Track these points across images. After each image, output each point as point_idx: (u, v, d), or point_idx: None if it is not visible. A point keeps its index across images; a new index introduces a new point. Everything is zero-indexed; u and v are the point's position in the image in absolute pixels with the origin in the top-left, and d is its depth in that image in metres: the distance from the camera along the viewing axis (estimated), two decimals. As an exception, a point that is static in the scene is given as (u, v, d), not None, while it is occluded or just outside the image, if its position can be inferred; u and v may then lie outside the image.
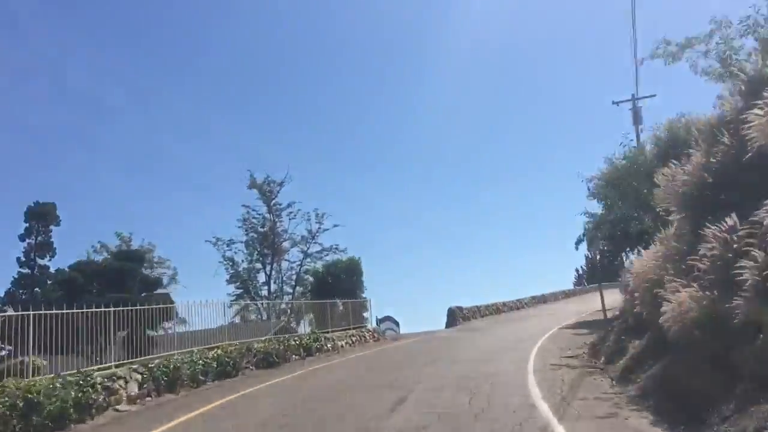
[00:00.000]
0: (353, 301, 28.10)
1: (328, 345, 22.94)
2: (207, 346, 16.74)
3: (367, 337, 27.21)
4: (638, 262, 12.40)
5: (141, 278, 22.62)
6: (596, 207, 26.84)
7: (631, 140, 25.86)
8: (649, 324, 11.39)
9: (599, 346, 15.72)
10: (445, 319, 36.87)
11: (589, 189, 25.74)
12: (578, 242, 28.00)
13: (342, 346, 24.28)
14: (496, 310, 42.06)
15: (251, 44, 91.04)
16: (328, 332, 24.55)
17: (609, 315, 28.55)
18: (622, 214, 20.84)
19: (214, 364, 15.62)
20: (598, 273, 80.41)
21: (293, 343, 20.41)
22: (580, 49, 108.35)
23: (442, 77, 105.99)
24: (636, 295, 12.50)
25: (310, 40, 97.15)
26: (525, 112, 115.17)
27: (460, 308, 37.32)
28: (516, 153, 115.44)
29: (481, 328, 29.19)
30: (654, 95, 38.49)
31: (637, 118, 38.20)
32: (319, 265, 37.11)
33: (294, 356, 20.07)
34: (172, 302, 19.69)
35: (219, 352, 16.28)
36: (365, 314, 29.78)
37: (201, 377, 14.80)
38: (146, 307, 15.67)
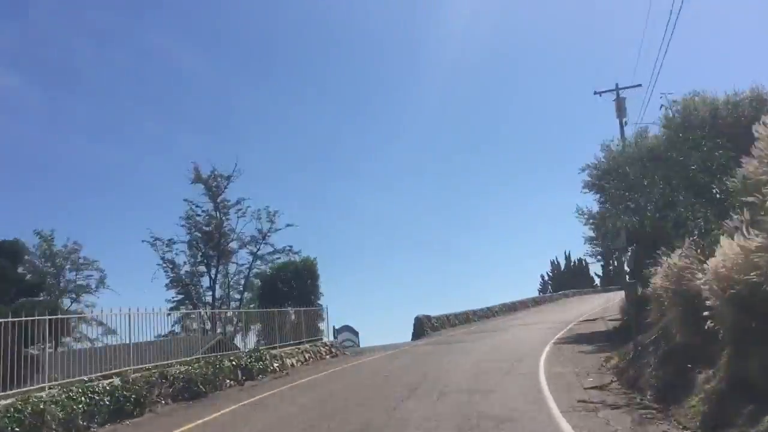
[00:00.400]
0: (307, 310, 23.77)
1: (275, 365, 18.56)
2: (103, 373, 12.21)
3: (323, 353, 22.90)
4: (718, 259, 8.68)
5: (16, 280, 17.68)
6: (591, 203, 23.44)
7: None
8: (740, 350, 7.64)
9: (630, 370, 11.96)
10: (411, 330, 32.87)
11: (590, 177, 22.26)
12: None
13: (292, 365, 19.93)
14: (465, 318, 38.34)
15: (197, 33, 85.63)
16: (275, 348, 20.18)
17: (597, 322, 25.79)
18: (651, 204, 17.19)
19: (107, 400, 11.11)
20: (564, 280, 78.72)
21: (228, 364, 15.97)
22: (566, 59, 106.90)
23: (406, 71, 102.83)
24: (710, 304, 8.73)
25: (271, 32, 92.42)
26: (498, 121, 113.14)
27: (428, 317, 33.39)
28: (482, 160, 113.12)
29: (455, 340, 25.27)
30: (639, 85, 35.82)
31: (621, 110, 35.43)
32: (268, 267, 32.62)
33: (229, 381, 15.64)
34: (68, 312, 15.02)
35: (117, 381, 11.77)
36: (321, 325, 25.53)
37: (82, 422, 10.29)
38: (14, 319, 11.03)
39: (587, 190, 22.36)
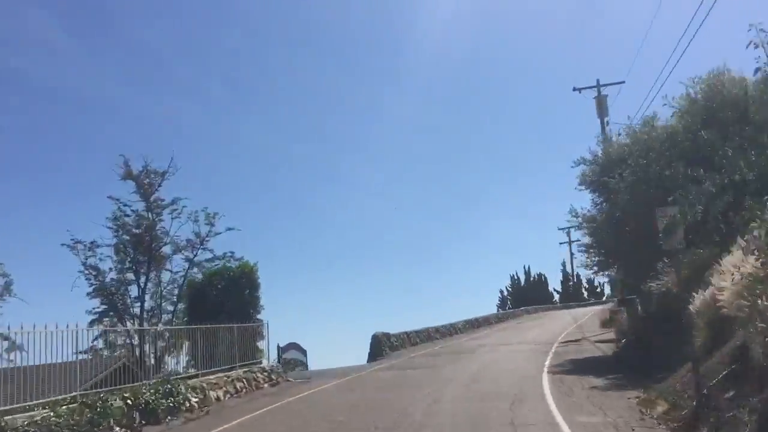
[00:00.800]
0: (243, 326, 19.30)
1: (193, 399, 14.07)
2: None
3: (261, 381, 18.44)
4: None
5: None
6: (586, 202, 19.98)
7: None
8: None
9: (703, 428, 8.21)
10: (367, 350, 28.70)
11: (588, 173, 18.77)
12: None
13: (218, 399, 15.46)
14: (427, 336, 34.42)
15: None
16: (196, 376, 15.71)
17: (583, 344, 22.30)
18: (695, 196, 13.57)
19: None
20: (523, 295, 75.91)
21: (120, 404, 11.46)
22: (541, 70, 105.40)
23: (379, 71, 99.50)
24: None
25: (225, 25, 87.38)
26: (468, 130, 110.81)
27: (387, 335, 29.28)
28: (446, 171, 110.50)
29: (421, 363, 21.24)
30: (622, 82, 33.01)
31: (602, 108, 32.47)
32: (199, 273, 27.81)
33: (120, 429, 11.14)
34: None
35: None
36: (261, 344, 21.05)
37: None
38: None
39: (584, 188, 18.85)
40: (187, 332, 18.11)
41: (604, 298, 78.97)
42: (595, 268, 20.70)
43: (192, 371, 17.06)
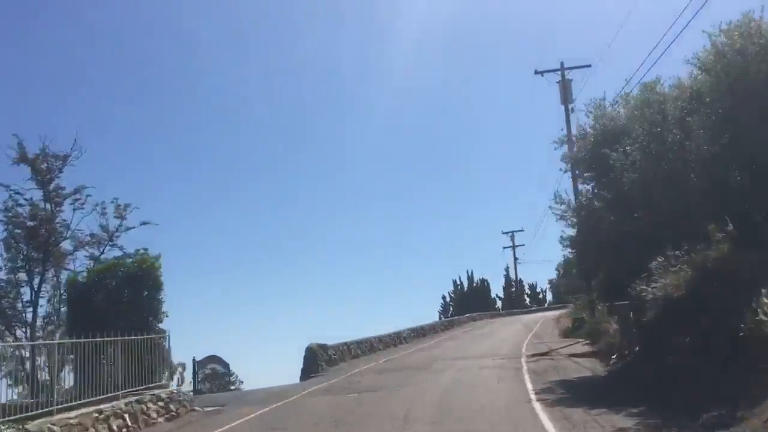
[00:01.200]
0: (133, 339, 14.48)
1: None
2: None
3: (154, 414, 13.68)
4: None
5: None
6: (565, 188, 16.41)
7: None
8: None
9: None
10: (300, 365, 24.22)
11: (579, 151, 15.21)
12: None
13: (79, 447, 10.74)
14: (370, 347, 30.29)
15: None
16: (51, 413, 10.94)
17: (562, 360, 18.44)
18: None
19: None
20: (466, 301, 72.90)
21: None
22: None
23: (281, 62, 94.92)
24: None
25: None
26: (408, 133, 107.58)
27: (323, 348, 24.91)
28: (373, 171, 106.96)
29: (367, 386, 17.04)
30: (588, 65, 30.13)
31: (566, 93, 29.42)
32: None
33: None
34: None
35: None
36: (162, 360, 16.25)
37: None
38: None
39: (577, 168, 15.29)
40: (49, 349, 13.22)
41: (546, 305, 77.51)
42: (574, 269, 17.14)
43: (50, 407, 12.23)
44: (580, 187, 17.06)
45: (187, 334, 45.22)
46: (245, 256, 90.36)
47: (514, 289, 78.20)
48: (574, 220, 16.07)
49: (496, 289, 78.11)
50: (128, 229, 31.88)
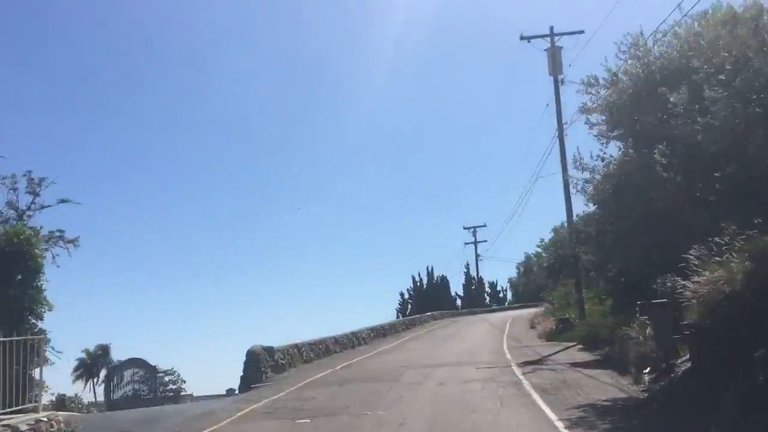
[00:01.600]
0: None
1: None
2: None
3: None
4: None
5: None
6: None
7: None
8: None
9: None
10: (240, 371, 19.90)
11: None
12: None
13: None
14: (325, 349, 26.13)
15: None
16: None
17: (566, 372, 14.82)
18: None
19: None
20: (426, 299, 69.42)
21: None
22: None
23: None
24: None
25: None
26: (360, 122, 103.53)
27: (269, 351, 20.60)
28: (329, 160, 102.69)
29: (324, 404, 12.97)
30: (582, 31, 26.80)
31: (555, 62, 26.01)
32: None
33: None
34: None
35: None
36: (35, 374, 11.74)
37: None
38: None
39: (606, 127, 11.56)
40: None
41: (506, 304, 74.95)
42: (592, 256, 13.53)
43: None
44: (597, 152, 13.23)
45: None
46: (189, 253, 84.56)
47: (474, 287, 75.31)
48: (593, 195, 12.41)
49: (456, 287, 75.10)
50: (44, 207, 27.29)
